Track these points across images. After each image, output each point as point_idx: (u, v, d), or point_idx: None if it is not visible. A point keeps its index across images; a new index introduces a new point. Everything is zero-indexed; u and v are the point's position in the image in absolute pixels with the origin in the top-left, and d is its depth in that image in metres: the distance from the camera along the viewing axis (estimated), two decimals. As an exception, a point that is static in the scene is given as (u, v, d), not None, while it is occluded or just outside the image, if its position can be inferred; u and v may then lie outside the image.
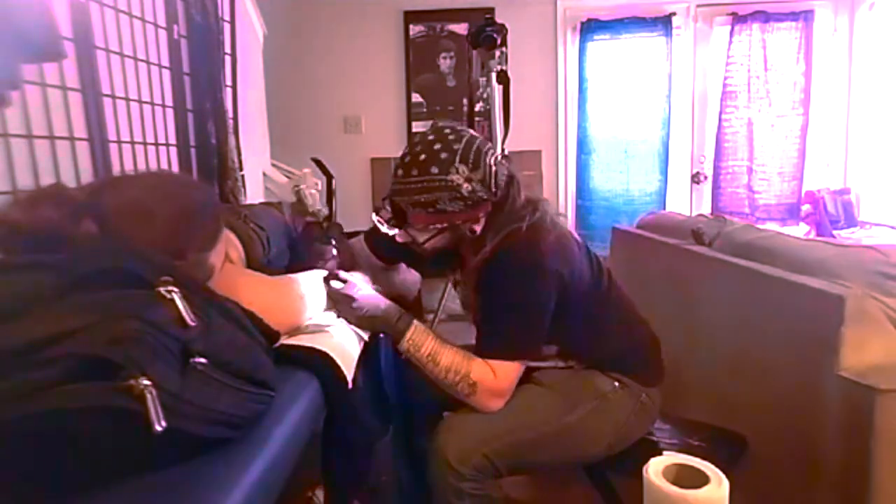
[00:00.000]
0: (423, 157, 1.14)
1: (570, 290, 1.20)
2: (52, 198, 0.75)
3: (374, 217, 1.26)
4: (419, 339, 1.17)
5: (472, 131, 1.21)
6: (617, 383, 1.27)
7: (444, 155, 1.13)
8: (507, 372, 1.17)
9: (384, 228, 1.25)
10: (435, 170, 1.13)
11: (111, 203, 0.77)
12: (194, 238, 0.85)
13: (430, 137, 1.17)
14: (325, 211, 1.28)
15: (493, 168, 1.17)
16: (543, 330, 1.19)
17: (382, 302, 1.20)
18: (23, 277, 0.61)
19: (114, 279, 0.62)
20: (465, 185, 1.13)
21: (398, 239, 1.27)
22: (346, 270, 1.25)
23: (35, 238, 0.67)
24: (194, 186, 1.00)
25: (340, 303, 1.19)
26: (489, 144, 1.21)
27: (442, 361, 1.16)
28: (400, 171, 1.17)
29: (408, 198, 1.16)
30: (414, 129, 3.75)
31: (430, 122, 3.71)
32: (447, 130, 1.18)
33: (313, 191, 1.24)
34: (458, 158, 1.13)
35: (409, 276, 1.55)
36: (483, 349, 1.18)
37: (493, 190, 1.18)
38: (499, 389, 1.17)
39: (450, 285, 1.44)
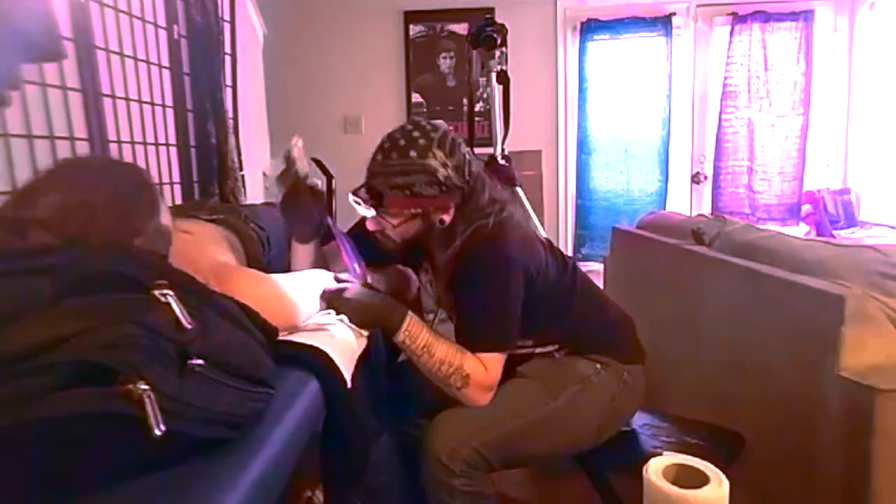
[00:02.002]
0: (402, 142, 1.21)
1: (536, 283, 1.25)
2: None
3: (352, 197, 1.28)
4: (415, 331, 1.19)
5: (445, 126, 1.28)
6: (598, 364, 1.30)
7: (422, 141, 1.21)
8: (495, 364, 1.20)
9: (360, 209, 1.28)
10: (413, 153, 1.20)
11: (48, 209, 0.77)
12: (138, 212, 0.85)
13: (408, 127, 1.24)
14: (318, 182, 1.30)
15: (467, 157, 1.26)
16: (518, 319, 1.23)
17: (376, 295, 1.23)
18: (17, 282, 0.61)
19: (108, 283, 0.62)
20: (441, 171, 1.20)
21: (369, 226, 1.29)
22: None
23: None
24: (112, 164, 1.01)
25: (334, 297, 1.19)
26: (461, 138, 1.29)
27: (436, 353, 1.18)
28: (379, 156, 1.23)
29: (385, 180, 1.22)
30: (414, 129, 3.75)
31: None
32: (423, 122, 1.26)
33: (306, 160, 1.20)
34: (435, 144, 1.21)
35: (404, 276, 1.54)
36: (470, 345, 1.20)
37: (466, 178, 1.25)
38: (489, 382, 1.20)
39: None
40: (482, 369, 1.18)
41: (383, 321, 1.20)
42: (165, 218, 0.91)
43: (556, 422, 1.25)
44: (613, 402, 1.29)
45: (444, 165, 1.20)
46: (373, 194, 1.25)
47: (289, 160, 1.27)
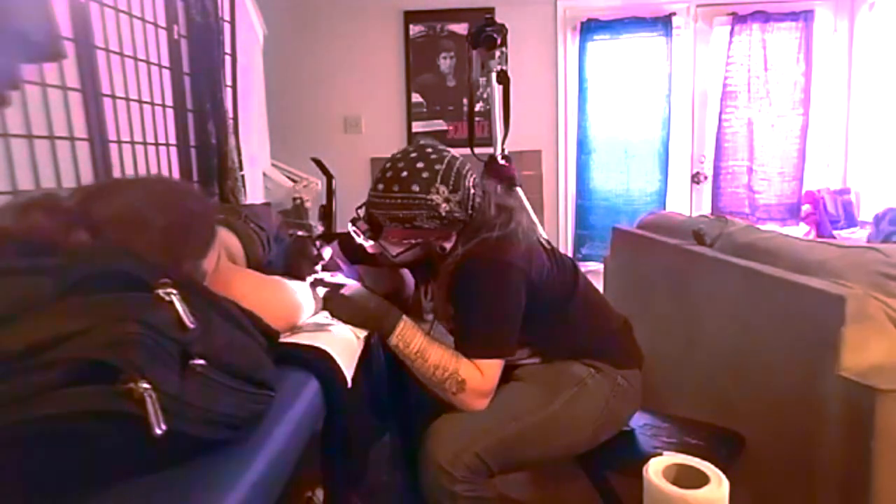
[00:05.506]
0: (404, 173, 1.17)
1: (538, 291, 1.23)
2: (44, 206, 0.74)
3: (350, 227, 1.28)
4: (408, 336, 1.18)
5: (452, 152, 1.24)
6: (592, 369, 1.30)
7: (425, 174, 1.17)
8: (492, 370, 1.19)
9: (359, 240, 1.27)
10: (416, 188, 1.16)
11: (103, 212, 0.77)
12: (189, 247, 0.86)
13: (413, 155, 1.20)
14: (318, 228, 1.32)
15: (472, 191, 1.22)
16: (518, 325, 1.22)
17: (372, 298, 1.21)
18: (21, 281, 0.61)
19: (112, 282, 0.62)
20: (444, 206, 1.18)
21: (370, 250, 1.30)
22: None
23: (25, 246, 0.67)
24: (189, 193, 1.00)
25: (330, 298, 1.19)
26: (469, 166, 1.24)
27: (430, 358, 1.17)
28: (380, 186, 1.20)
29: (386, 212, 1.20)
30: (414, 130, 3.75)
31: (429, 122, 3.77)
32: (429, 150, 1.21)
33: (308, 204, 1.24)
34: (439, 179, 1.17)
35: (398, 276, 1.54)
36: (468, 350, 1.19)
37: (470, 212, 1.22)
38: (485, 389, 1.19)
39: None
40: (478, 375, 1.17)
41: (376, 324, 1.20)
42: (209, 263, 0.90)
43: (554, 424, 1.24)
44: (608, 404, 1.29)
45: (447, 201, 1.17)
46: (372, 224, 1.24)
47: (298, 206, 1.31)
